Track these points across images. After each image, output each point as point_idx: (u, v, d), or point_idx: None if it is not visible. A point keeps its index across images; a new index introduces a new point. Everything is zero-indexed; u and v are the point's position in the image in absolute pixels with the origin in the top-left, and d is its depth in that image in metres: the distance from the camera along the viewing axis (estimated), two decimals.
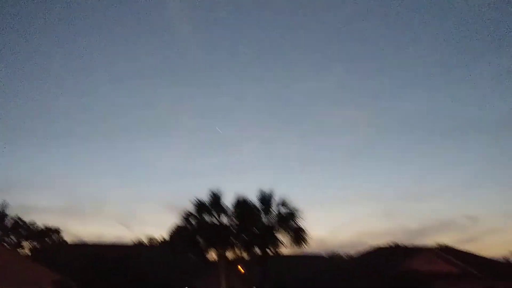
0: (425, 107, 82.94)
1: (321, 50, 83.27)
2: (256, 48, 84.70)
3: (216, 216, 26.13)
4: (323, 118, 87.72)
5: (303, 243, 25.90)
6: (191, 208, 26.22)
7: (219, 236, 25.48)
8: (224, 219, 26.18)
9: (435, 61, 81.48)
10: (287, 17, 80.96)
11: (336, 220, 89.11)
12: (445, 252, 31.14)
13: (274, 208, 26.38)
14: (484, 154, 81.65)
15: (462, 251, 33.99)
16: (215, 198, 26.16)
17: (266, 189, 26.66)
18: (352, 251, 39.01)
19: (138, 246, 44.76)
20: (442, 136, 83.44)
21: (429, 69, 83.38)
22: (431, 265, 29.11)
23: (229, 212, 26.17)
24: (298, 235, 25.86)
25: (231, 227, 25.99)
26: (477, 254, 34.27)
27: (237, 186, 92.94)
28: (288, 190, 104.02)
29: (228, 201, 26.39)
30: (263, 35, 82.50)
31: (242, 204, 26.06)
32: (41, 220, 69.01)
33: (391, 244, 35.73)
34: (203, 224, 25.94)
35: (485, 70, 79.01)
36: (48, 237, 40.81)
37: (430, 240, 61.83)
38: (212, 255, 27.01)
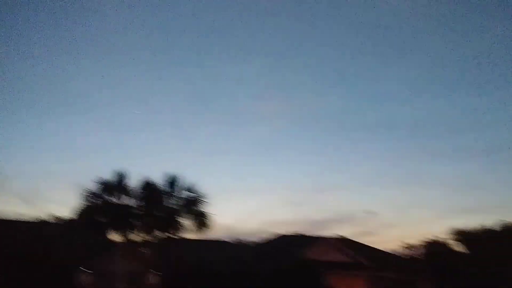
0: (337, 103, 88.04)
1: (244, 39, 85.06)
2: (177, 30, 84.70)
3: (120, 197, 26.92)
4: (239, 108, 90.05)
5: (207, 229, 27.45)
6: (95, 187, 26.79)
7: (122, 218, 26.25)
8: (128, 201, 27.07)
9: (350, 59, 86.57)
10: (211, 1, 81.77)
11: (245, 208, 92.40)
12: (342, 243, 34.41)
13: (180, 193, 27.64)
14: (386, 152, 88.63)
15: (357, 242, 37.71)
16: (120, 179, 26.83)
17: (174, 173, 27.86)
18: (258, 239, 41.56)
19: (40, 224, 43.99)
20: (351, 132, 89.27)
21: (342, 66, 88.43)
22: (327, 255, 32.05)
23: (134, 194, 27.08)
24: (202, 221, 27.32)
25: (134, 209, 26.92)
26: (370, 246, 38.23)
27: (146, 169, 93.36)
28: (198, 176, 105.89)
29: (134, 183, 27.27)
30: (185, 18, 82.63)
31: (147, 186, 27.02)
32: None
33: (294, 233, 38.74)
34: (106, 205, 26.57)
35: (396, 69, 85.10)
36: None
37: (332, 232, 66.92)
38: (115, 236, 27.78)
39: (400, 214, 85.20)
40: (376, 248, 38.53)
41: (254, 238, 43.18)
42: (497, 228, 42.24)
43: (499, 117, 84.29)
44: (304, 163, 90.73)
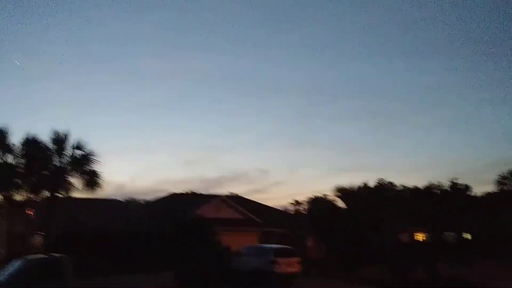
0: (233, 65, 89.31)
1: None
2: None
3: (1, 155, 25.41)
4: (135, 64, 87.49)
5: (97, 188, 26.80)
6: None
7: (3, 176, 24.97)
8: (10, 159, 25.66)
9: (244, 23, 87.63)
10: None
11: (139, 167, 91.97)
12: (233, 200, 35.92)
13: (68, 150, 26.62)
14: (278, 114, 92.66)
15: (249, 200, 39.60)
16: (0, 135, 25.29)
17: (62, 130, 26.68)
18: (151, 198, 41.76)
19: None
20: (245, 94, 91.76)
21: (242, 29, 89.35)
22: (218, 212, 33.34)
23: (17, 152, 25.69)
24: (92, 179, 26.59)
25: (17, 168, 25.61)
26: (261, 203, 40.34)
27: (35, 125, 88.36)
28: (91, 134, 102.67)
29: (18, 140, 25.81)
30: None
31: (31, 143, 25.62)
32: None
33: (186, 191, 39.55)
34: None
35: (289, 35, 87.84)
36: None
37: (225, 190, 69.68)
38: None
39: (290, 173, 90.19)
40: (266, 205, 40.73)
41: (148, 197, 43.34)
42: (374, 185, 46.72)
43: (379, 84, 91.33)
44: (199, 123, 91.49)
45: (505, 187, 45.48)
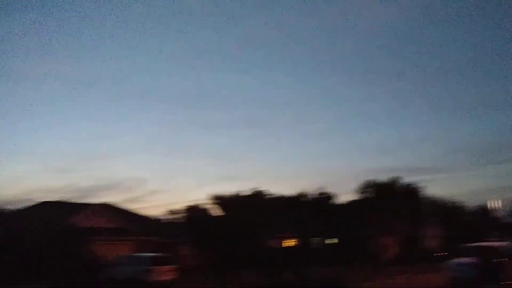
0: (110, 70, 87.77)
1: None
2: None
3: None
4: (11, 68, 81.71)
5: None
6: None
7: None
8: None
9: (126, 27, 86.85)
10: None
11: (6, 175, 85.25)
12: (107, 210, 35.56)
13: None
14: (156, 122, 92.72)
15: (123, 209, 39.38)
16: None
17: None
18: (18, 207, 39.44)
19: None
20: (123, 100, 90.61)
21: (118, 34, 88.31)
22: (91, 222, 32.85)
23: None
24: None
25: None
26: (136, 212, 40.43)
27: None
28: None
29: None
30: None
31: None
32: None
33: (57, 200, 38.11)
34: None
35: (172, 44, 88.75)
36: None
37: (99, 199, 67.48)
38: None
39: (167, 181, 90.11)
40: (142, 214, 40.88)
41: (15, 206, 40.76)
42: (249, 193, 49.09)
43: (257, 94, 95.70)
44: (71, 129, 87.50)
45: (366, 195, 50.65)
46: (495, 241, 31.75)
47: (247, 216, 42.04)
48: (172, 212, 47.76)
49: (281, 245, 45.99)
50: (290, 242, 47.78)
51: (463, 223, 54.32)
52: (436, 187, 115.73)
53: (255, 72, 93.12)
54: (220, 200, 46.99)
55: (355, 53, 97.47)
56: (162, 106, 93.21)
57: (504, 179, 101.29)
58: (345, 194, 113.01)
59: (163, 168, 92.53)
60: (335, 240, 48.70)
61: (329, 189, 51.54)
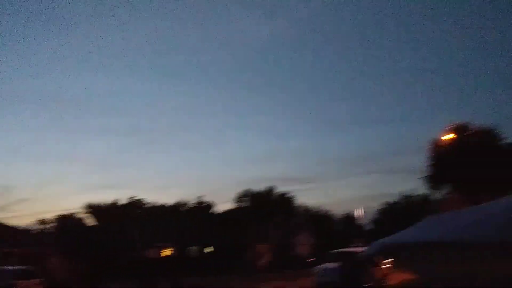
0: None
1: None
2: None
3: None
4: None
5: None
6: None
7: None
8: None
9: (19, 25, 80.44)
10: None
11: None
12: None
13: None
14: (26, 126, 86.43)
15: None
16: None
17: None
18: None
19: None
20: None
21: (11, 35, 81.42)
22: None
23: None
24: None
25: None
26: (1, 222, 37.35)
27: None
28: None
29: None
30: None
31: None
32: None
33: None
34: None
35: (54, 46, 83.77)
36: None
37: None
38: None
39: (38, 189, 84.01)
40: (7, 225, 37.89)
41: None
42: (127, 202, 47.94)
43: (135, 102, 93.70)
44: None
45: (242, 204, 52.00)
46: (357, 247, 34.53)
47: (124, 225, 41.04)
48: (42, 222, 44.92)
49: (160, 254, 45.44)
50: (168, 252, 47.41)
51: (331, 230, 58.20)
52: (308, 196, 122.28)
53: (136, 79, 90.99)
54: (95, 209, 45.24)
55: (235, 65, 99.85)
56: (34, 108, 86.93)
57: (368, 189, 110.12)
58: (223, 203, 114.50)
59: (34, 175, 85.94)
60: (212, 249, 49.28)
61: (208, 198, 52.16)
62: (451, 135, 24.42)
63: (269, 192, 50.97)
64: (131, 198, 47.94)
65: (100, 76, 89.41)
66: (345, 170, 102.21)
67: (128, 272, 33.55)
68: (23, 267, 23.78)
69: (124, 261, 37.38)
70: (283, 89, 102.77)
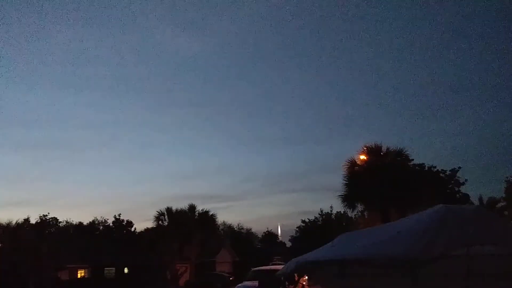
0: None
1: None
2: None
3: None
4: None
5: None
6: None
7: None
8: None
9: None
10: None
11: None
12: None
13: None
14: None
15: None
16: None
17: None
18: None
19: None
20: None
21: None
22: None
23: None
24: None
25: None
26: None
27: None
28: None
29: None
30: None
31: None
32: None
33: None
34: None
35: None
36: None
37: None
38: None
39: None
40: None
41: None
42: (36, 221, 45.41)
43: (56, 115, 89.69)
44: None
45: (161, 223, 50.91)
46: (277, 264, 35.01)
47: (34, 245, 38.74)
48: None
49: (74, 275, 43.34)
50: (82, 273, 45.38)
51: (252, 248, 58.58)
52: (230, 214, 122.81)
53: (52, 91, 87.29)
54: (2, 229, 42.34)
55: (160, 80, 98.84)
56: None
57: (290, 206, 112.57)
58: (143, 221, 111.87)
59: None
60: (128, 269, 47.82)
61: (127, 217, 50.68)
62: (364, 156, 25.65)
63: (190, 210, 50.44)
64: (43, 216, 45.49)
65: (12, 87, 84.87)
66: (268, 188, 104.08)
67: None
68: None
69: (36, 285, 35.22)
70: (207, 105, 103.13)
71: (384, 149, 25.86)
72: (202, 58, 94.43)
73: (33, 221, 45.11)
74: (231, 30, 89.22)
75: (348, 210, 27.23)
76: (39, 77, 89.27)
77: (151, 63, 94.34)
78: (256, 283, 19.80)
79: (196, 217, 45.89)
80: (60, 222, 47.27)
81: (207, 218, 47.74)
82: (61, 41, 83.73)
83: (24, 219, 44.46)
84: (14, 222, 43.63)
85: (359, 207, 28.46)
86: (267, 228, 66.35)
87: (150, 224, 51.81)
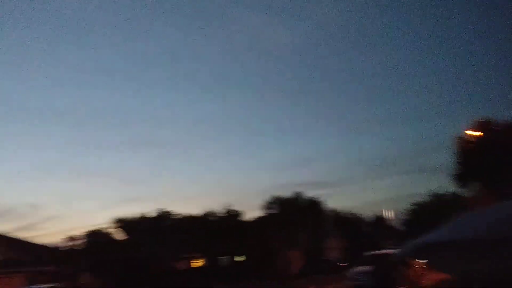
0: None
1: None
2: None
3: None
4: None
5: None
6: None
7: None
8: None
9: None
10: None
11: None
12: None
13: None
14: (51, 143, 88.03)
15: (14, 238, 36.95)
16: None
17: None
18: None
19: None
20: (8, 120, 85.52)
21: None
22: None
23: None
24: None
25: None
26: (29, 241, 38.10)
27: None
28: None
29: None
30: None
31: None
32: None
33: None
34: None
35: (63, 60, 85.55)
36: None
37: None
38: None
39: (65, 206, 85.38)
40: (35, 243, 38.62)
41: None
42: (155, 214, 48.32)
43: (159, 114, 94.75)
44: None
45: (271, 211, 51.92)
46: (388, 248, 34.14)
47: (153, 238, 41.38)
48: (72, 239, 45.53)
49: (190, 265, 45.66)
50: (198, 263, 47.63)
51: (361, 233, 57.56)
52: (336, 200, 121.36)
53: (157, 91, 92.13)
54: (123, 224, 45.72)
55: (257, 73, 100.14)
56: (55, 126, 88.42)
57: (395, 190, 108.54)
58: (252, 211, 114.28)
59: (61, 192, 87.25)
60: (243, 258, 49.34)
61: (236, 207, 52.16)
62: (477, 132, 24.05)
63: (297, 198, 50.92)
64: (159, 210, 48.38)
65: (118, 89, 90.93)
66: (371, 173, 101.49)
67: (160, 285, 33.84)
68: (53, 285, 24.22)
69: (155, 274, 37.66)
70: (309, 93, 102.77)
71: (495, 123, 24.08)
72: (302, 46, 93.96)
73: (150, 215, 47.99)
74: (332, 17, 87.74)
75: (462, 189, 25.80)
76: (141, 78, 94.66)
77: (250, 55, 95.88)
78: (370, 268, 19.52)
79: (303, 204, 46.17)
80: (174, 215, 49.87)
81: (314, 204, 47.89)
82: (153, 43, 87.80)
83: (142, 214, 47.50)
84: (133, 217, 46.95)
85: (473, 186, 26.86)
86: (375, 212, 64.65)
87: (259, 213, 53.15)
